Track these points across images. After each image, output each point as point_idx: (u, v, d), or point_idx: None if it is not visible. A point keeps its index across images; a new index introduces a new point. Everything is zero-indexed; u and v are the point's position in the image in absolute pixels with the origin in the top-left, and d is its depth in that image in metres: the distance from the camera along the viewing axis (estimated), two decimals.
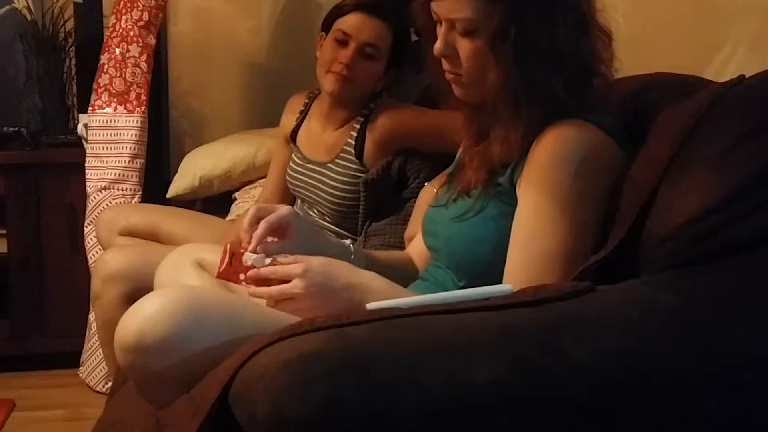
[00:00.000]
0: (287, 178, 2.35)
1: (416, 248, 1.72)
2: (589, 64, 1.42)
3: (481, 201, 1.47)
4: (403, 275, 1.61)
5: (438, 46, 1.46)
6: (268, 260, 1.44)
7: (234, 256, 1.46)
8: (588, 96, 1.42)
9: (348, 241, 1.72)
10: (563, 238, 1.34)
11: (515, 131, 1.42)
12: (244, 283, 1.45)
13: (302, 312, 1.37)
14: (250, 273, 1.43)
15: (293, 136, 2.35)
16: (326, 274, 1.39)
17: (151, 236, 2.39)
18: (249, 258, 1.44)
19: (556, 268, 1.33)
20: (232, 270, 1.46)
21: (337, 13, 2.19)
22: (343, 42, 2.15)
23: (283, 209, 1.53)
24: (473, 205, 1.48)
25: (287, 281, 1.38)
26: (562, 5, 1.38)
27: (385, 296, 1.34)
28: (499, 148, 1.46)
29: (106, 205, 2.74)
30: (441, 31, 1.45)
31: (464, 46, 1.43)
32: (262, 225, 1.48)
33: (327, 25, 2.21)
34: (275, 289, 1.39)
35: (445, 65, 1.47)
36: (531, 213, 1.37)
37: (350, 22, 2.16)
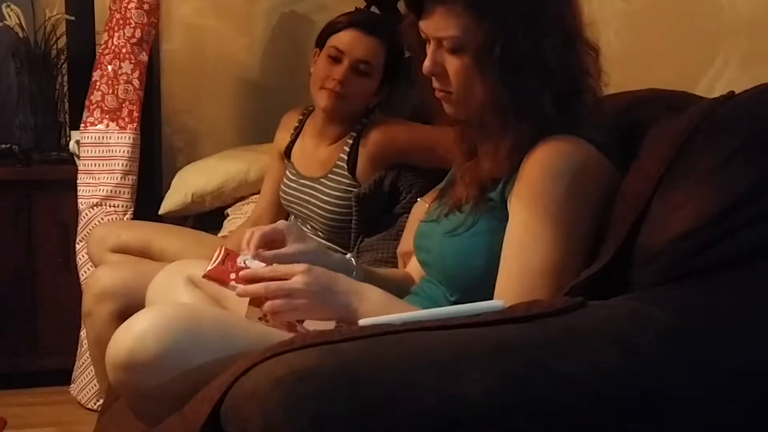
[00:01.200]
0: (281, 194, 2.35)
1: (413, 264, 1.73)
2: (576, 79, 1.42)
3: (472, 216, 1.47)
4: (401, 292, 1.61)
5: (426, 64, 1.46)
6: (263, 264, 1.43)
7: (228, 257, 1.45)
8: (578, 111, 1.42)
9: (349, 255, 1.72)
10: (553, 253, 1.34)
11: (504, 147, 1.43)
12: (233, 282, 1.42)
13: (295, 313, 1.37)
14: (243, 272, 1.42)
15: (287, 153, 2.36)
16: (328, 276, 1.39)
17: (143, 253, 2.39)
18: (244, 258, 1.43)
19: (546, 283, 1.33)
20: (222, 269, 1.44)
21: (331, 29, 2.21)
22: (336, 59, 2.16)
23: (279, 223, 1.55)
24: (464, 220, 1.48)
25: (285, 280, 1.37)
26: (547, 21, 1.39)
27: (383, 306, 1.35)
28: (488, 163, 1.46)
29: (98, 221, 2.73)
30: (429, 49, 1.46)
31: (452, 64, 1.44)
32: (257, 233, 1.48)
33: (321, 42, 2.22)
34: (274, 283, 1.37)
35: (435, 83, 1.48)
36: (521, 228, 1.37)
37: (344, 39, 2.17)
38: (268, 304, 1.38)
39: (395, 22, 2.66)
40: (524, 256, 1.36)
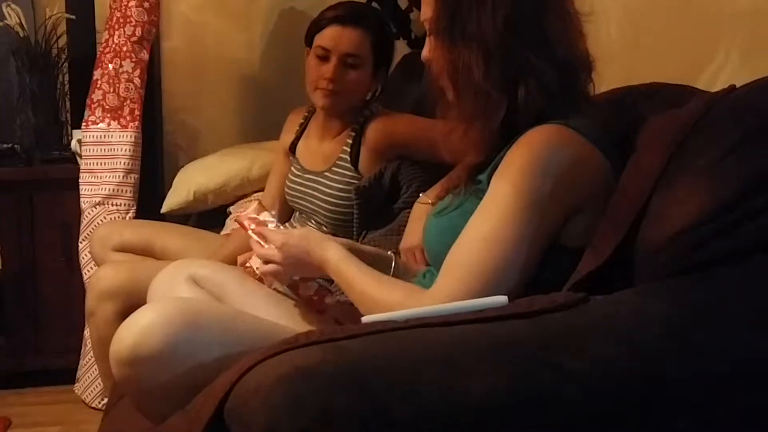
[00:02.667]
0: (286, 189, 2.36)
1: None
2: (526, 62, 1.41)
3: (461, 197, 1.48)
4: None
5: (423, 53, 1.50)
6: (272, 224, 1.72)
7: (260, 211, 1.79)
8: (566, 100, 1.42)
9: (390, 252, 1.74)
10: (515, 228, 1.33)
11: (491, 134, 1.44)
12: (250, 231, 1.71)
13: (282, 275, 1.61)
14: (254, 228, 1.70)
15: (292, 149, 2.37)
16: (301, 247, 1.56)
17: (145, 252, 2.39)
18: (265, 215, 1.73)
19: (498, 250, 1.32)
20: (249, 218, 1.74)
21: (314, 29, 2.22)
22: (324, 57, 2.18)
23: None
24: (453, 200, 1.50)
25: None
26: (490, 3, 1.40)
27: (351, 278, 1.46)
28: (472, 146, 1.48)
29: (101, 220, 2.73)
30: (427, 38, 1.48)
31: (430, 47, 1.47)
32: None
33: (308, 41, 2.24)
34: (263, 250, 1.62)
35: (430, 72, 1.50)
36: (490, 198, 1.37)
37: (328, 36, 2.18)
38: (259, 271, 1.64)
39: (378, 9, 2.68)
40: (484, 221, 1.35)
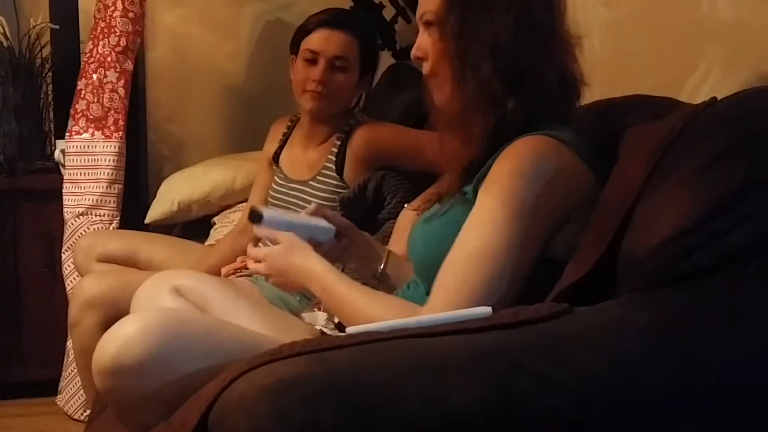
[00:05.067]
0: (269, 199, 2.35)
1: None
2: (533, 67, 1.42)
3: (447, 206, 1.49)
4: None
5: (413, 48, 1.50)
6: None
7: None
8: (551, 111, 1.42)
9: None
10: (505, 240, 1.33)
11: (474, 139, 1.44)
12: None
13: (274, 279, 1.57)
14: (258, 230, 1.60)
15: (275, 158, 2.37)
16: (284, 259, 1.53)
17: (129, 262, 2.38)
18: (266, 210, 1.60)
19: (486, 264, 1.32)
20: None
21: (302, 33, 2.23)
22: (312, 60, 2.19)
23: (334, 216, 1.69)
24: (440, 209, 1.50)
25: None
26: (529, 17, 1.41)
27: (339, 294, 1.44)
28: (461, 154, 1.48)
29: (84, 231, 2.72)
30: (419, 34, 1.49)
31: (427, 41, 1.48)
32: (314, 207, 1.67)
33: (295, 47, 2.25)
34: (252, 266, 1.59)
35: (423, 69, 1.50)
36: (478, 212, 1.38)
37: (315, 39, 2.19)
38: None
39: (361, 12, 2.69)
40: (472, 236, 1.36)
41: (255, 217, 1.57)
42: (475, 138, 1.45)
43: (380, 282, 1.67)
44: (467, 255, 1.34)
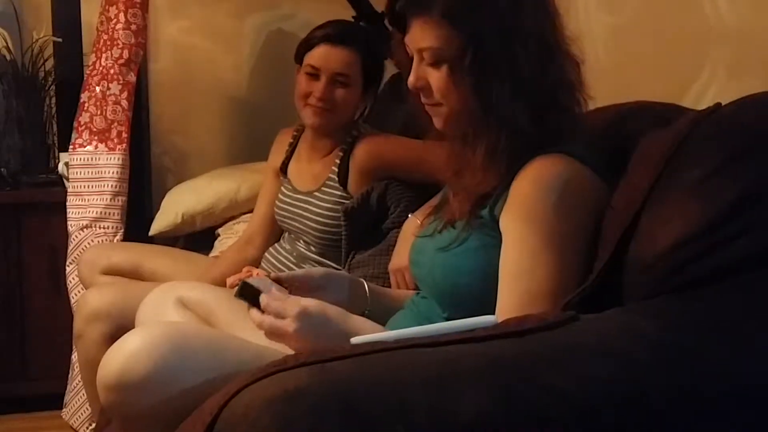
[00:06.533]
0: (276, 209, 2.35)
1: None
2: (555, 92, 1.42)
3: (464, 233, 1.46)
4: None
5: (411, 79, 1.47)
6: (272, 286, 1.44)
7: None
8: (560, 126, 1.42)
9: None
10: (550, 274, 1.33)
11: (481, 159, 1.43)
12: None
13: (290, 346, 1.36)
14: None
15: (283, 169, 2.37)
16: (321, 319, 1.37)
17: (134, 275, 2.38)
18: (255, 281, 1.43)
19: (544, 304, 1.32)
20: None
21: (305, 47, 2.23)
22: (314, 75, 2.19)
23: (315, 272, 1.61)
24: (457, 236, 1.47)
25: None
26: (523, 31, 1.39)
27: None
28: (472, 178, 1.46)
29: (88, 243, 2.72)
30: (414, 63, 1.47)
31: (433, 76, 1.45)
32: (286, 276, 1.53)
33: (299, 58, 2.25)
34: (267, 322, 1.36)
35: (422, 98, 1.48)
36: (516, 249, 1.37)
37: (317, 55, 2.19)
38: (266, 335, 1.39)
39: (368, 28, 2.69)
40: (520, 277, 1.35)
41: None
42: (492, 165, 1.43)
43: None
44: (523, 300, 1.33)
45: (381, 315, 1.60)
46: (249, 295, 1.40)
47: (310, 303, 1.38)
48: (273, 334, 1.37)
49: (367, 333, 1.37)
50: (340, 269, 2.17)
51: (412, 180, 2.18)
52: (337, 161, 2.22)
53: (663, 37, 2.14)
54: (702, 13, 1.99)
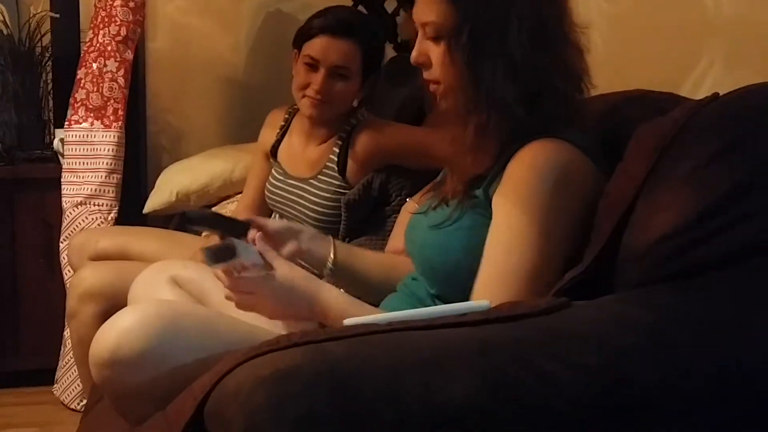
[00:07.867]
0: (266, 193, 2.33)
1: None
2: (552, 78, 1.42)
3: (457, 211, 1.47)
4: (383, 274, 1.69)
5: (413, 53, 1.48)
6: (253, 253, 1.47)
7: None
8: (560, 112, 1.42)
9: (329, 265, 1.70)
10: (535, 255, 1.34)
11: (476, 141, 1.44)
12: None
13: (262, 310, 1.47)
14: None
15: (273, 152, 2.34)
16: (286, 284, 1.45)
17: (122, 258, 2.37)
18: (239, 245, 1.45)
19: (527, 285, 1.33)
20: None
21: (304, 36, 2.18)
22: (313, 66, 2.15)
23: (272, 224, 1.63)
24: (450, 214, 1.48)
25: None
26: (518, 14, 1.39)
27: (339, 309, 1.41)
28: (466, 159, 1.47)
29: (82, 220, 2.72)
30: (418, 38, 1.47)
31: (434, 52, 1.45)
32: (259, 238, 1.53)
33: (297, 44, 2.21)
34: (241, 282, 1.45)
35: (424, 74, 1.48)
36: (504, 228, 1.38)
37: (317, 46, 2.14)
38: (236, 300, 1.47)
39: (367, 18, 2.67)
40: (506, 256, 1.36)
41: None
42: (486, 146, 1.44)
43: (334, 274, 1.65)
44: (505, 277, 1.35)
45: (348, 276, 1.66)
46: (219, 253, 1.43)
47: (282, 266, 1.46)
48: (245, 294, 1.46)
49: (328, 298, 1.44)
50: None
51: (412, 167, 2.17)
52: (336, 149, 2.20)
53: (661, 26, 2.14)
54: (700, 3, 1.99)
